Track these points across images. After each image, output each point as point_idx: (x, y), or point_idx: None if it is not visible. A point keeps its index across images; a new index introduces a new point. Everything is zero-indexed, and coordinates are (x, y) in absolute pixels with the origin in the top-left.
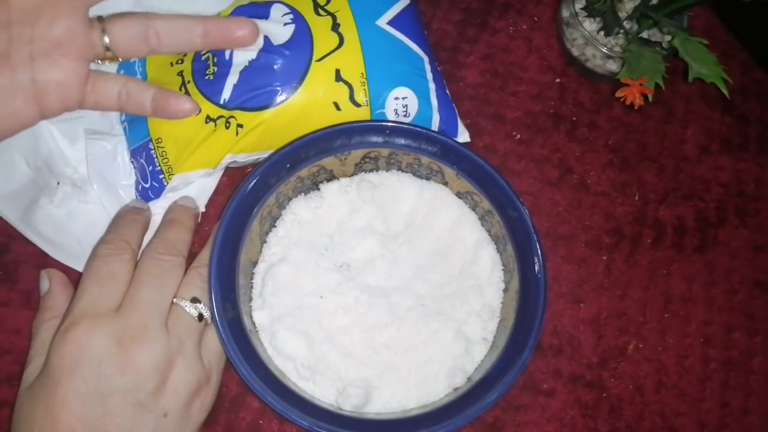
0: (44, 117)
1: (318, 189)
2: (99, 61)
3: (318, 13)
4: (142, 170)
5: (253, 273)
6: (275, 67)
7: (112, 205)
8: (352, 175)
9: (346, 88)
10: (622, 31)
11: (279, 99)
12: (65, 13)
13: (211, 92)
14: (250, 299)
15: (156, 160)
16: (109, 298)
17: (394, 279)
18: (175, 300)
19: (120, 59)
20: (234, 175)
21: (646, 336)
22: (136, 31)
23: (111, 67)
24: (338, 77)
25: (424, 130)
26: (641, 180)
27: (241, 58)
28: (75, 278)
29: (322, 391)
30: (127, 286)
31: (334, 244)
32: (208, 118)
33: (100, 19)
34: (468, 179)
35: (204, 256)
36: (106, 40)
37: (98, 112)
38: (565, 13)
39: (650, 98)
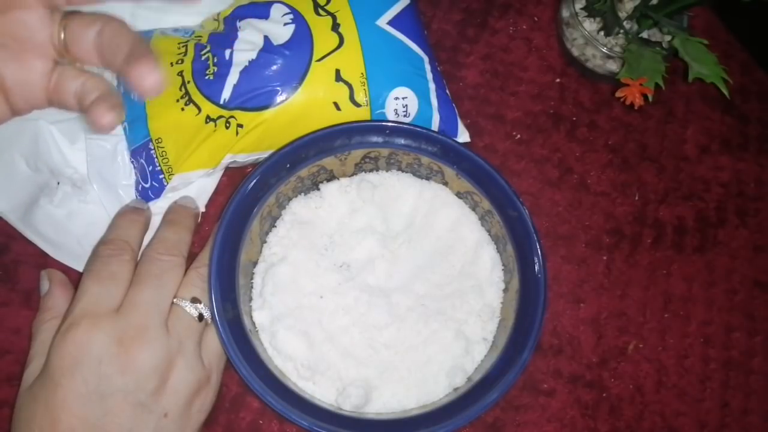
0: (15, 114)
1: (318, 189)
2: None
3: (318, 13)
4: (142, 170)
5: (253, 273)
6: (275, 67)
7: (112, 205)
8: (352, 175)
9: (346, 88)
10: (622, 31)
11: (279, 99)
12: (23, 4)
13: (211, 92)
14: (250, 299)
15: (156, 160)
16: (110, 299)
17: (394, 279)
18: (175, 300)
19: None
20: (234, 175)
21: (646, 336)
22: (89, 37)
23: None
24: (338, 77)
25: (424, 130)
26: (641, 180)
27: (241, 58)
28: (75, 278)
29: (322, 391)
30: (127, 286)
31: (334, 244)
32: (208, 118)
33: (67, 15)
34: (468, 179)
35: (204, 256)
36: (62, 36)
37: None
38: (565, 13)
39: (650, 98)
